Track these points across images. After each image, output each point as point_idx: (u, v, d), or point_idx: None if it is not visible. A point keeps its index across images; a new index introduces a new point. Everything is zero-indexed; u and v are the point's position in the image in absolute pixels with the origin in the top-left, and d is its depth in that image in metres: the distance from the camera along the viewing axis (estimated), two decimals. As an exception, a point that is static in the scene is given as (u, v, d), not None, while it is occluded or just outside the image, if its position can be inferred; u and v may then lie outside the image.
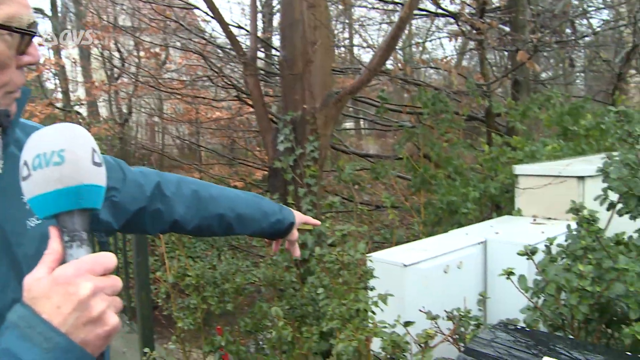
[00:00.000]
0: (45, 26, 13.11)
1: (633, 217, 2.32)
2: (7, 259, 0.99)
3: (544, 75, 11.04)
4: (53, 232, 0.86)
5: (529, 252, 2.19)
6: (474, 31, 5.77)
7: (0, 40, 0.95)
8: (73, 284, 0.79)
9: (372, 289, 2.86)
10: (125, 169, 1.38)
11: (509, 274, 2.17)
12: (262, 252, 5.31)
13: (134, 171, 1.41)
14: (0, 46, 0.95)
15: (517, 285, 2.18)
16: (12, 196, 1.03)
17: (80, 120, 11.49)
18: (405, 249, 3.40)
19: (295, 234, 1.74)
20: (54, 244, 0.84)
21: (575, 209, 2.31)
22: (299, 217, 1.75)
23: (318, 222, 1.90)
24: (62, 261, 0.83)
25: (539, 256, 2.37)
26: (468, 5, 6.41)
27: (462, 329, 2.59)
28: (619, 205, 2.40)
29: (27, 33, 0.97)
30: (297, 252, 1.80)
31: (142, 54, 10.56)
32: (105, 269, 0.83)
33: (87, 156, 0.86)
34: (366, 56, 12.17)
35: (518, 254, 2.23)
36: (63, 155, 0.83)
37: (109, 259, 0.83)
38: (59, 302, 0.78)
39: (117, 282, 0.84)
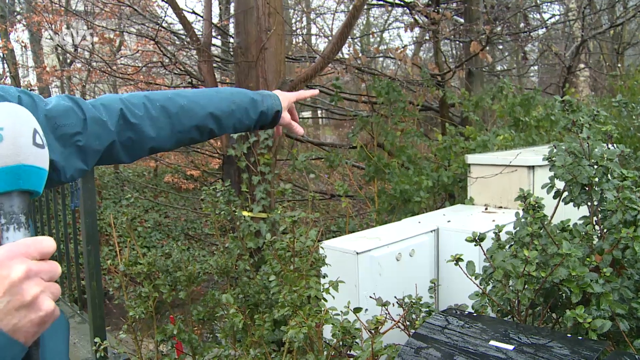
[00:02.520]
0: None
1: (577, 205, 2.38)
2: None
3: (498, 67, 11.23)
4: None
5: (477, 239, 2.23)
6: (429, 22, 5.82)
7: None
8: (4, 267, 0.75)
9: (324, 276, 2.86)
10: (85, 107, 1.31)
11: (458, 260, 2.20)
12: (217, 241, 5.27)
13: (95, 105, 1.34)
14: None
15: (466, 271, 2.21)
16: None
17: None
18: (357, 236, 3.42)
19: (286, 117, 1.74)
20: None
21: (523, 197, 2.35)
22: (286, 98, 1.74)
23: (315, 92, 2.00)
24: None
25: (489, 243, 2.41)
26: (423, -4, 6.46)
27: (413, 316, 2.62)
28: (565, 193, 2.46)
29: None
30: (298, 130, 1.82)
31: (95, 39, 10.31)
32: (42, 253, 0.79)
33: (28, 136, 0.83)
34: (323, 45, 12.15)
35: (466, 240, 2.26)
36: (1, 134, 0.80)
37: (46, 242, 0.80)
38: None
39: (54, 267, 0.81)
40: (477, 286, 2.30)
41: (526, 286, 2.03)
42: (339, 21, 13.05)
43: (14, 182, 0.81)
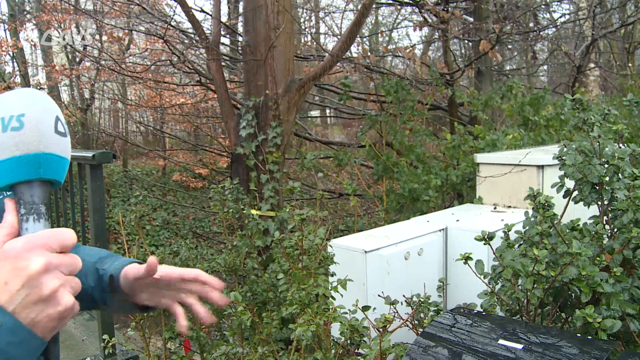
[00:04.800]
0: (0, 5, 12.74)
1: (587, 204, 2.37)
2: None
3: (508, 66, 11.18)
4: (9, 204, 0.80)
5: (486, 238, 2.22)
6: (438, 21, 5.80)
7: None
8: (23, 259, 0.73)
9: (332, 274, 2.86)
10: None
11: (467, 258, 2.19)
12: (225, 240, 5.28)
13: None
14: None
15: (475, 270, 2.20)
16: None
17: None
18: (366, 235, 3.42)
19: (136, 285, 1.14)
20: (10, 217, 0.79)
21: (532, 196, 2.34)
22: (131, 270, 1.13)
23: (154, 265, 1.08)
24: (18, 235, 0.78)
25: (499, 242, 2.40)
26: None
27: (422, 315, 2.61)
28: (575, 193, 2.44)
29: None
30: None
31: (104, 37, 10.35)
32: (62, 245, 0.77)
33: (49, 123, 0.80)
34: (332, 44, 12.15)
35: (475, 239, 2.25)
36: (22, 120, 0.78)
37: (67, 234, 0.77)
38: (7, 277, 0.72)
39: (75, 260, 0.78)
40: (486, 285, 2.29)
41: (535, 285, 2.01)
42: (347, 20, 13.05)
43: (35, 170, 0.79)
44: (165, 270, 1.11)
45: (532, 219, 2.39)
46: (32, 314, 0.73)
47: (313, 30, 12.47)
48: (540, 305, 2.13)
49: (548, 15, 10.69)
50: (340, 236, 4.30)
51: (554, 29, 9.84)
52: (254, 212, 3.84)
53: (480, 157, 4.32)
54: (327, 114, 14.78)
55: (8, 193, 0.93)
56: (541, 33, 8.77)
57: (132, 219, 3.69)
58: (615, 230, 2.24)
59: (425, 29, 9.19)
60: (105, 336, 3.68)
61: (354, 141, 9.80)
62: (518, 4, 7.99)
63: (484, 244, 2.24)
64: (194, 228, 9.03)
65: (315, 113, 14.43)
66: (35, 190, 0.80)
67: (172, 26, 6.76)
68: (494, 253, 2.29)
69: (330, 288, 2.62)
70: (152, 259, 1.07)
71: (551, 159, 3.91)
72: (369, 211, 7.24)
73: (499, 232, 2.46)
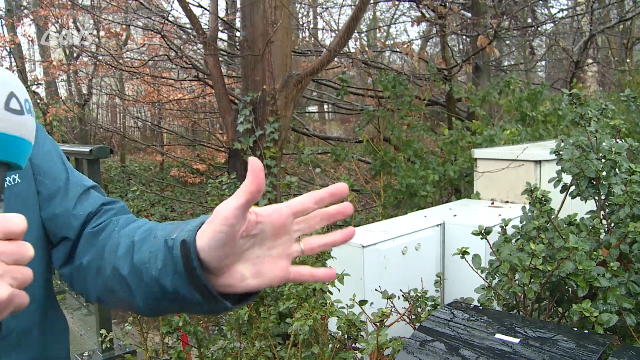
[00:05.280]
0: (-2, 1, 12.69)
1: (584, 199, 2.37)
2: None
3: (506, 62, 11.19)
4: None
5: (483, 232, 2.22)
6: (436, 16, 5.80)
7: None
8: None
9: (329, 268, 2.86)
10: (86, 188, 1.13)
11: (464, 253, 2.19)
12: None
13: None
14: None
15: (472, 264, 2.21)
16: None
17: (38, 101, 11.21)
18: (364, 230, 3.42)
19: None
20: None
21: (530, 190, 2.34)
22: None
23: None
24: None
25: (495, 237, 2.41)
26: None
27: (419, 309, 2.62)
28: (572, 187, 2.45)
29: None
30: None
31: (102, 33, 10.33)
32: (6, 232, 0.69)
33: (1, 100, 0.74)
34: (330, 40, 12.14)
35: (472, 233, 2.25)
36: None
37: (13, 220, 0.70)
38: None
39: (23, 249, 0.70)
40: (483, 280, 2.30)
41: (532, 280, 2.02)
42: (345, 15, 13.03)
43: None
44: (266, 212, 0.82)
45: (529, 214, 2.39)
46: None
47: (311, 26, 12.45)
48: (537, 300, 2.13)
49: (546, 11, 10.69)
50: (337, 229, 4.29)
51: (552, 25, 9.85)
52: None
53: (477, 153, 4.32)
54: (325, 110, 14.76)
55: None
56: (539, 28, 8.77)
57: (133, 212, 3.68)
58: (612, 224, 2.25)
59: (423, 25, 9.18)
60: (103, 331, 3.69)
61: (351, 136, 9.79)
62: (516, 0, 7.98)
63: (481, 238, 2.24)
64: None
65: (313, 108, 14.43)
66: None
67: (169, 21, 6.75)
68: (491, 248, 2.29)
69: (327, 282, 2.63)
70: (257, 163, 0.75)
71: (548, 154, 3.92)
72: (366, 206, 7.24)
73: (496, 227, 2.47)
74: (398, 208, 4.85)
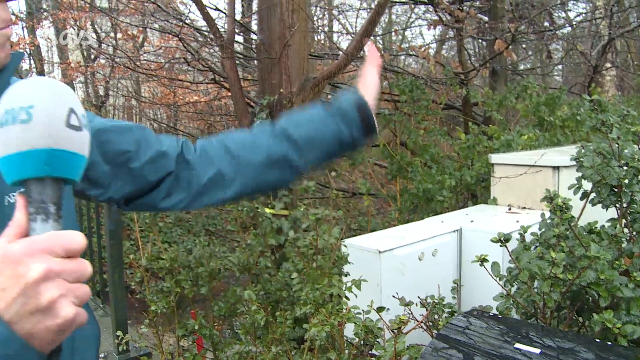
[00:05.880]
0: (19, 4, 12.85)
1: (605, 207, 2.34)
2: None
3: (522, 66, 11.11)
4: (19, 201, 0.74)
5: (502, 240, 2.20)
6: (453, 19, 5.77)
7: None
8: (22, 264, 0.67)
9: (346, 274, 2.85)
10: (144, 132, 1.24)
11: (483, 260, 2.17)
12: (238, 238, 5.28)
13: (158, 137, 1.26)
14: None
15: (490, 272, 2.19)
16: None
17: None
18: (380, 235, 3.40)
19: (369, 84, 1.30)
20: (18, 215, 0.73)
21: (549, 197, 2.32)
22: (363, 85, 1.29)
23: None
24: (25, 236, 0.72)
25: (513, 244, 2.38)
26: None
27: (436, 316, 2.60)
28: (592, 195, 2.42)
29: None
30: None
31: (119, 35, 10.42)
32: (68, 249, 0.70)
33: (61, 116, 0.74)
34: (346, 43, 12.13)
35: (492, 241, 2.23)
36: (31, 112, 0.72)
37: (73, 238, 0.71)
38: (5, 283, 0.67)
39: (82, 266, 0.71)
40: (502, 287, 2.28)
41: (552, 288, 2.00)
42: (361, 18, 13.02)
43: (42, 168, 0.73)
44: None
45: (549, 221, 2.37)
46: (28, 325, 0.68)
47: (326, 29, 12.46)
48: (556, 309, 2.11)
49: (563, 14, 10.61)
50: (353, 235, 4.29)
51: (569, 28, 9.77)
52: (267, 210, 3.84)
53: (495, 158, 4.29)
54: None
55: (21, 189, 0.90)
56: (557, 32, 8.70)
57: (147, 216, 3.70)
58: (635, 233, 2.22)
59: (439, 28, 9.15)
60: (119, 333, 3.71)
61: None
62: (533, 3, 7.93)
63: (500, 246, 2.22)
64: (206, 225, 9.05)
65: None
66: (46, 189, 0.74)
67: (186, 24, 6.78)
68: (510, 255, 2.27)
69: (344, 288, 2.62)
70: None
71: (567, 160, 3.87)
72: (381, 210, 7.22)
73: (514, 234, 2.45)
74: (414, 213, 4.83)
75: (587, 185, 2.46)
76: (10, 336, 0.67)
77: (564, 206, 2.18)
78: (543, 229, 2.37)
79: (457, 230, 3.55)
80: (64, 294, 0.69)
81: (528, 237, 2.41)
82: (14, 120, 0.72)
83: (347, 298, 2.61)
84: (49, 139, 0.73)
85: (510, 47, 6.03)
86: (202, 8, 5.09)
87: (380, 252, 3.03)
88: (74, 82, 12.87)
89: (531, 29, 7.30)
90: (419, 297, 2.59)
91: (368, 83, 1.30)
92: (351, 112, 1.22)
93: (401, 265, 3.14)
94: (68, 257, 0.70)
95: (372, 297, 2.65)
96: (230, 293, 3.46)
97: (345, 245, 2.92)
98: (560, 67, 12.60)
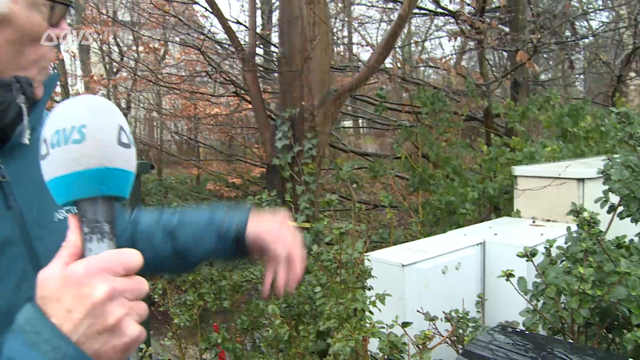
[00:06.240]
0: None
1: (635, 220, 2.30)
2: (26, 252, 0.89)
3: (543, 76, 11.03)
4: (72, 222, 0.74)
5: (529, 254, 2.17)
6: (474, 31, 5.75)
7: (37, 12, 0.87)
8: (87, 285, 0.68)
9: (369, 288, 2.84)
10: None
11: (509, 275, 2.14)
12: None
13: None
14: (37, 17, 0.88)
15: (517, 287, 2.16)
16: (41, 184, 0.93)
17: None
18: (403, 248, 3.38)
19: (270, 245, 1.21)
20: (72, 236, 0.73)
21: (576, 211, 2.29)
22: (262, 225, 1.23)
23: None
24: (81, 256, 0.72)
25: (538, 258, 2.35)
26: (468, 4, 6.39)
27: (460, 331, 2.57)
28: (620, 208, 2.38)
29: (65, 3, 0.91)
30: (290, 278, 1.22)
31: (141, 48, 10.55)
32: (127, 268, 0.71)
33: (113, 134, 0.74)
34: (365, 54, 12.16)
35: (518, 255, 2.21)
36: (84, 132, 0.71)
37: (132, 256, 0.72)
38: (70, 304, 0.67)
39: (140, 284, 0.72)
40: (528, 302, 2.25)
41: (581, 304, 1.96)
42: (381, 30, 13.04)
43: (97, 187, 0.73)
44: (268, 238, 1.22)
45: (575, 235, 2.33)
46: (97, 345, 0.68)
47: (345, 40, 12.50)
48: (585, 325, 2.08)
49: (585, 23, 10.52)
50: (374, 247, 4.27)
51: (592, 38, 9.68)
52: (290, 223, 3.84)
53: (518, 170, 4.25)
54: (360, 124, 14.76)
55: (68, 209, 0.89)
56: (579, 42, 8.62)
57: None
58: (665, 248, 2.18)
59: (459, 39, 9.13)
60: (142, 345, 3.72)
61: (387, 151, 9.74)
62: (555, 13, 7.88)
63: (527, 260, 2.19)
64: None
65: (347, 123, 14.42)
66: (98, 208, 0.74)
67: (208, 37, 6.85)
68: (536, 270, 2.24)
69: (368, 302, 2.60)
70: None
71: (592, 172, 3.83)
72: (402, 222, 7.18)
73: (539, 247, 2.42)
74: (436, 225, 4.79)
75: (614, 199, 2.42)
76: (79, 356, 0.67)
77: (591, 220, 2.15)
78: (569, 243, 2.34)
79: (480, 244, 3.51)
80: (127, 313, 0.70)
81: (554, 251, 2.38)
82: (66, 140, 0.71)
83: (371, 312, 2.59)
84: (103, 158, 0.72)
85: (533, 58, 5.99)
86: (224, 22, 5.14)
87: (403, 265, 3.01)
88: (96, 94, 13.02)
89: (553, 39, 7.24)
90: (443, 312, 2.57)
91: (267, 219, 1.26)
92: (228, 240, 1.24)
93: (425, 278, 3.11)
94: (126, 275, 0.72)
95: (396, 311, 2.63)
96: (253, 306, 3.46)
97: (368, 259, 2.91)
98: (582, 77, 12.48)
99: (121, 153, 0.75)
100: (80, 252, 0.73)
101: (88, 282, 0.68)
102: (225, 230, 1.24)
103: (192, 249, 1.27)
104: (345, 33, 13.48)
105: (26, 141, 0.94)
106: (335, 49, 10.35)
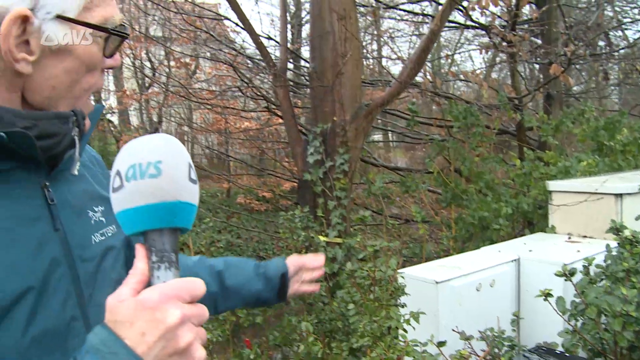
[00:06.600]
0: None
1: (678, 239, 2.24)
2: (69, 273, 0.93)
3: (575, 88, 10.86)
4: (140, 251, 0.79)
5: (568, 273, 2.13)
6: (505, 44, 5.70)
7: (94, 42, 0.92)
8: (161, 310, 0.73)
9: (403, 305, 2.81)
10: None
11: (547, 295, 2.10)
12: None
13: None
14: (94, 48, 0.92)
15: (555, 307, 2.12)
16: (82, 208, 1.00)
17: (112, 129, 11.67)
18: (436, 265, 3.35)
19: (297, 277, 1.49)
20: (140, 264, 0.78)
21: (616, 229, 2.24)
22: (293, 263, 1.49)
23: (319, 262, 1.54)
24: (148, 283, 0.77)
25: (577, 276, 2.30)
26: (499, 17, 6.34)
27: (496, 350, 2.53)
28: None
29: (122, 35, 0.95)
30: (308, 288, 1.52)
31: (172, 63, 10.70)
32: (193, 296, 0.77)
33: (184, 170, 0.80)
34: (394, 68, 12.14)
35: (556, 274, 2.17)
36: (160, 168, 0.77)
37: (197, 285, 0.77)
38: (144, 328, 0.72)
39: (204, 311, 0.78)
40: (567, 323, 2.20)
41: (625, 327, 1.91)
42: (411, 43, 13.01)
43: (169, 219, 0.78)
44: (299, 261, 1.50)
45: (616, 254, 2.28)
46: None
47: (375, 54, 12.51)
48: (629, 349, 2.02)
49: (620, 33, 10.33)
50: (405, 262, 4.24)
51: (627, 49, 9.50)
52: (322, 238, 3.84)
53: (553, 185, 4.19)
54: (390, 137, 14.72)
55: (102, 232, 0.95)
56: (615, 54, 8.48)
57: (202, 244, 3.75)
58: None
59: (489, 51, 9.05)
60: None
61: (418, 165, 9.68)
62: (589, 24, 7.76)
63: (565, 280, 2.15)
64: (257, 250, 9.10)
65: (377, 137, 14.39)
66: (166, 238, 0.79)
67: (240, 53, 6.92)
68: (575, 289, 2.19)
69: (402, 320, 2.58)
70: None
71: (632, 187, 3.76)
72: (432, 236, 7.12)
73: (576, 264, 2.37)
74: (469, 241, 4.74)
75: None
76: None
77: (633, 239, 2.10)
78: (609, 262, 2.29)
79: (515, 260, 3.46)
80: (196, 337, 0.76)
81: (592, 270, 2.33)
82: (142, 174, 0.77)
83: (405, 331, 2.57)
84: (176, 192, 0.78)
85: (566, 70, 5.91)
86: (255, 38, 5.18)
87: (437, 282, 2.98)
88: (128, 109, 13.25)
89: (588, 51, 7.13)
90: (479, 331, 2.53)
91: (294, 262, 1.50)
92: (274, 280, 1.45)
93: (458, 295, 3.07)
94: (192, 302, 0.77)
95: (429, 329, 2.60)
96: (285, 322, 3.46)
97: (402, 276, 2.89)
98: (617, 88, 12.25)
99: (190, 188, 0.81)
100: (147, 279, 0.78)
101: (161, 307, 0.73)
102: (271, 274, 1.44)
103: (239, 290, 1.42)
104: (375, 46, 13.49)
105: (75, 172, 0.99)
106: (364, 63, 10.37)
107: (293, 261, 1.48)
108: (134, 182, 0.77)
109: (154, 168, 0.77)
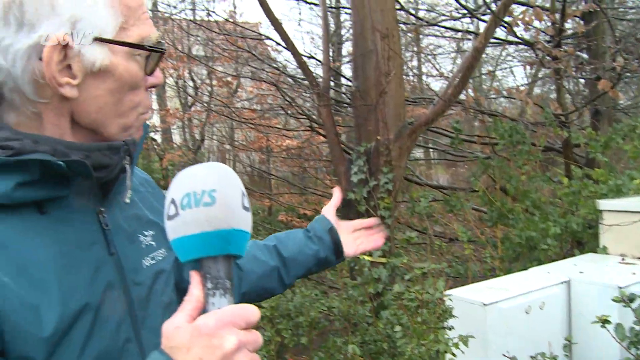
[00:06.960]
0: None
1: None
2: (124, 296, 0.96)
3: (622, 102, 10.59)
4: (195, 278, 0.81)
5: (627, 299, 2.06)
6: (551, 59, 5.61)
7: (134, 61, 0.94)
8: (217, 336, 0.75)
9: (450, 328, 2.76)
10: None
11: (605, 322, 2.04)
12: (337, 285, 5.26)
13: None
14: (134, 67, 0.94)
15: (614, 335, 2.05)
16: (133, 233, 1.03)
17: (155, 147, 11.90)
18: (484, 286, 3.28)
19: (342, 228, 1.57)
20: (195, 291, 0.80)
21: (676, 253, 2.16)
22: (328, 214, 1.59)
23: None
24: (203, 310, 0.79)
25: (635, 302, 2.23)
26: (542, 32, 6.25)
27: (549, 376, 2.46)
28: None
29: (159, 51, 0.97)
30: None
31: (214, 82, 10.87)
32: (248, 322, 0.78)
33: (238, 198, 0.82)
34: (435, 84, 12.08)
35: (614, 300, 2.10)
36: (214, 196, 0.79)
37: (252, 311, 0.79)
38: (201, 354, 0.74)
39: (258, 338, 0.80)
40: (627, 350, 2.12)
41: (688, 356, 1.84)
42: (450, 59, 12.94)
43: (224, 246, 0.80)
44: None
45: (675, 278, 2.20)
46: None
47: (416, 71, 12.47)
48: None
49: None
50: (448, 280, 4.16)
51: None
52: (366, 258, 3.82)
53: (604, 204, 4.07)
54: (431, 154, 14.61)
55: (152, 256, 0.99)
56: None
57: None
58: None
59: (533, 66, 8.91)
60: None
61: (460, 182, 9.55)
62: (638, 36, 7.58)
63: (624, 306, 2.08)
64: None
65: (418, 153, 14.29)
66: (220, 265, 0.81)
67: (282, 72, 6.99)
68: (635, 315, 2.12)
69: (450, 344, 2.53)
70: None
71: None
72: (476, 254, 7.00)
73: (631, 288, 2.29)
74: (516, 261, 4.63)
75: None
76: None
77: (695, 264, 2.02)
78: (669, 286, 2.21)
79: (565, 282, 3.37)
80: None
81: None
82: (197, 203, 0.79)
83: (454, 355, 2.52)
84: (231, 220, 0.80)
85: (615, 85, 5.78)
86: (298, 58, 5.23)
87: (485, 304, 2.92)
88: (171, 127, 13.50)
89: (638, 64, 6.95)
90: (530, 357, 2.46)
91: (330, 213, 1.59)
92: (325, 237, 1.51)
93: (507, 318, 3.00)
94: (247, 329, 0.78)
95: (476, 352, 2.55)
96: (330, 343, 3.44)
97: (450, 299, 2.84)
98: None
99: (244, 216, 0.83)
100: (202, 305, 0.79)
101: (218, 333, 0.75)
102: (319, 233, 1.51)
103: (297, 257, 1.47)
104: (415, 63, 13.46)
105: (127, 200, 1.02)
106: (405, 80, 10.34)
107: (350, 225, 1.59)
108: (189, 211, 0.78)
109: (209, 197, 0.79)
